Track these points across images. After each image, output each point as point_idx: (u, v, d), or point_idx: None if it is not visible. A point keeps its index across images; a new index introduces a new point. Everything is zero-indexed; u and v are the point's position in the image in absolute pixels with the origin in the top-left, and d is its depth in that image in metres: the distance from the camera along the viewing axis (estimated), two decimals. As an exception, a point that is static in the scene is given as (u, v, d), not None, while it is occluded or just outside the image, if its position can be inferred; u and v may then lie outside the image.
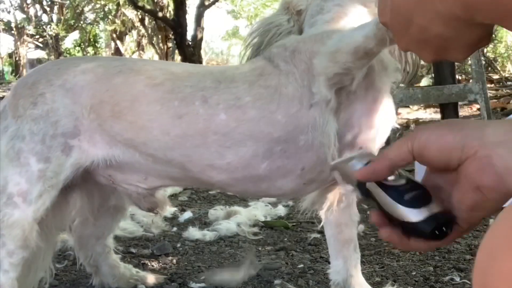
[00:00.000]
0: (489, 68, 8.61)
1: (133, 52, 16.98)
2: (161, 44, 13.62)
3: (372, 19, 0.93)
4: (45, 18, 19.50)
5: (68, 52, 20.38)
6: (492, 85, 7.38)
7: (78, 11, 18.62)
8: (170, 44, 13.24)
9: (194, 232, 1.85)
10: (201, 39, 10.51)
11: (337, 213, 1.23)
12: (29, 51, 20.81)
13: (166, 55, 13.21)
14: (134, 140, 1.08)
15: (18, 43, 19.05)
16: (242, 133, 1.03)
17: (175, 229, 1.94)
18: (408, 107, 5.24)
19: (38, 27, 19.25)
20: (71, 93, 1.09)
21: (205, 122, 1.04)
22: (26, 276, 1.17)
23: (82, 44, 20.21)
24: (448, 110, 3.87)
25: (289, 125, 1.03)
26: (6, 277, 1.08)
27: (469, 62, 3.61)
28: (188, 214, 2.07)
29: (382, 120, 1.08)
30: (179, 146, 1.06)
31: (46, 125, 1.08)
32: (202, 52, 10.96)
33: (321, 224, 1.90)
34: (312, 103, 1.02)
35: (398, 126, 1.15)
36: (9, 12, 18.93)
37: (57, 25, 18.48)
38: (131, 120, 1.07)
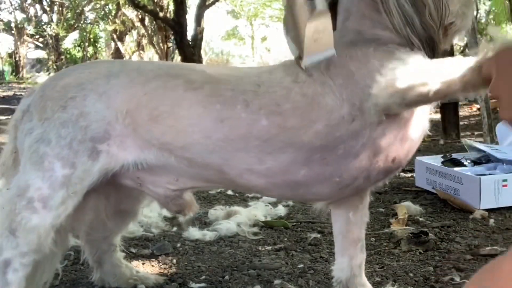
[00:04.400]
0: (489, 68, 8.59)
1: (133, 52, 16.98)
2: (161, 44, 13.61)
3: (460, 60, 0.90)
4: (45, 18, 19.52)
5: (68, 52, 20.39)
6: (492, 85, 7.36)
7: (78, 11, 18.62)
8: (170, 44, 13.25)
9: (194, 232, 1.85)
10: (201, 39, 10.50)
11: (351, 212, 1.23)
12: (29, 51, 20.82)
13: (166, 55, 13.20)
14: (171, 144, 1.07)
15: (18, 43, 19.06)
16: (283, 140, 1.03)
17: (175, 229, 1.94)
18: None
19: (38, 27, 19.26)
20: (105, 97, 1.07)
21: (247, 127, 1.03)
22: (33, 276, 1.17)
23: (82, 44, 20.22)
24: (448, 109, 3.87)
25: (330, 135, 1.03)
26: (15, 275, 1.08)
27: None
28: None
29: (415, 132, 1.08)
30: (219, 150, 1.05)
31: (75, 129, 1.06)
32: (202, 52, 10.95)
33: (322, 224, 1.91)
34: (354, 117, 1.02)
35: (430, 133, 1.15)
36: (10, 13, 18.94)
37: (57, 25, 18.49)
38: (170, 124, 1.06)
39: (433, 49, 1.03)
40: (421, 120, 1.08)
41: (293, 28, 0.95)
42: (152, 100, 1.06)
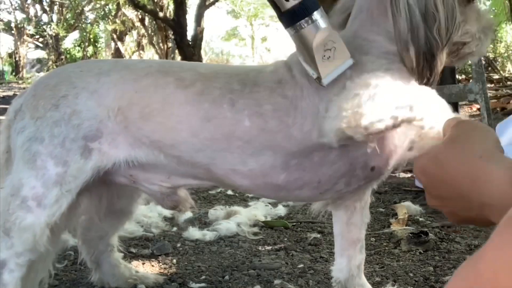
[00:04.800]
0: (489, 68, 8.62)
1: (133, 52, 16.99)
2: (161, 44, 13.62)
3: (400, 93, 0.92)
4: (45, 18, 19.53)
5: (68, 52, 20.40)
6: (492, 85, 7.39)
7: (78, 11, 18.64)
8: (170, 44, 13.25)
9: (194, 232, 1.85)
10: (201, 39, 10.51)
11: (350, 213, 1.23)
12: (29, 51, 20.84)
13: (166, 55, 13.21)
14: (161, 141, 1.07)
15: (18, 43, 19.07)
16: (262, 143, 1.04)
17: (175, 229, 1.94)
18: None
19: (38, 27, 19.27)
20: (96, 95, 1.08)
21: (231, 126, 1.04)
22: (28, 276, 1.17)
23: (82, 44, 20.23)
24: (448, 110, 3.87)
25: (304, 142, 1.02)
26: (11, 276, 1.08)
27: (469, 62, 3.61)
28: (188, 214, 2.07)
29: (396, 141, 1.06)
30: (205, 149, 1.05)
31: (68, 128, 1.06)
32: (202, 52, 10.96)
33: (322, 224, 1.91)
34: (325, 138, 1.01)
35: None
36: (10, 13, 18.96)
37: (57, 25, 18.50)
38: (160, 121, 1.06)
39: (430, 66, 0.99)
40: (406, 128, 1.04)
41: (305, 53, 0.94)
42: (143, 98, 1.07)
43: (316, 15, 0.89)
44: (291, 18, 0.89)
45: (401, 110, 0.92)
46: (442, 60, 1.00)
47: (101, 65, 1.13)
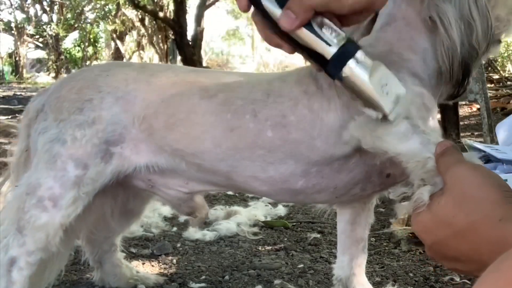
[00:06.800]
0: (489, 68, 8.62)
1: (133, 52, 17.01)
2: (161, 44, 13.64)
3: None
4: (45, 18, 19.55)
5: (68, 52, 20.43)
6: (492, 85, 7.39)
7: (78, 11, 18.65)
8: (170, 44, 13.27)
9: (194, 232, 1.85)
10: (201, 39, 10.52)
11: (356, 213, 1.24)
12: (29, 51, 20.85)
13: (166, 55, 13.23)
14: (183, 150, 1.08)
15: (18, 43, 19.09)
16: (284, 152, 1.04)
17: (175, 229, 1.94)
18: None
19: (38, 27, 19.29)
20: (123, 101, 1.08)
21: (254, 137, 1.04)
22: (40, 276, 1.17)
23: (82, 44, 20.25)
24: (448, 109, 3.87)
25: (327, 153, 1.03)
26: (20, 274, 1.08)
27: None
28: (188, 214, 2.07)
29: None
30: (227, 158, 1.06)
31: (91, 131, 1.07)
32: (202, 52, 10.97)
33: (322, 224, 1.91)
34: (348, 140, 1.00)
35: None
36: (10, 13, 18.99)
37: (57, 25, 18.51)
38: (184, 131, 1.06)
39: (464, 73, 0.96)
40: None
41: (362, 96, 0.87)
42: (169, 107, 1.07)
43: (360, 53, 0.83)
44: (338, 64, 0.83)
45: (409, 152, 0.87)
46: (477, 66, 0.99)
47: (127, 71, 1.13)
